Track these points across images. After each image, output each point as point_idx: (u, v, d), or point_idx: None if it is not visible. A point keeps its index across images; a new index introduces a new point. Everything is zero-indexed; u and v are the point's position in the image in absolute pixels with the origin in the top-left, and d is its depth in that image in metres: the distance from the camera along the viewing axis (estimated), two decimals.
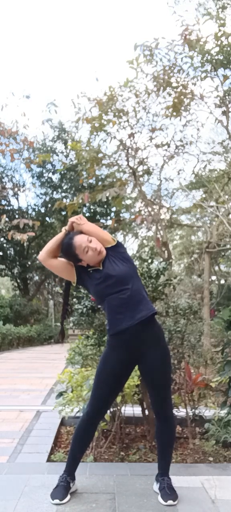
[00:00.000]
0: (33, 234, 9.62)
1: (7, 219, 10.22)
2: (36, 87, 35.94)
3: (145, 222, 10.71)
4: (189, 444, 4.10)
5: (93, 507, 2.71)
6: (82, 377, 3.98)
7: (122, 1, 38.62)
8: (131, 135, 9.08)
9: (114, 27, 43.40)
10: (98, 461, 3.77)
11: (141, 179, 10.61)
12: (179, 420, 4.20)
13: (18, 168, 20.87)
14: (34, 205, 21.89)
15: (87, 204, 18.81)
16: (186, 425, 4.22)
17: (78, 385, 3.89)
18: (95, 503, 2.76)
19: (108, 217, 20.90)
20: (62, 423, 4.80)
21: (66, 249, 2.89)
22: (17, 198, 21.77)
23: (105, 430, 4.08)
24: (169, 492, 2.78)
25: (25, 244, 19.77)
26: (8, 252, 22.31)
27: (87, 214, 19.45)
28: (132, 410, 4.31)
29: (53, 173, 20.64)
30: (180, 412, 4.20)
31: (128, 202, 15.94)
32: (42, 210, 21.30)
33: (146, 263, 4.68)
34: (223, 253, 17.58)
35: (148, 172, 10.74)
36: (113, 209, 19.92)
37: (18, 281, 23.52)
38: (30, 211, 21.62)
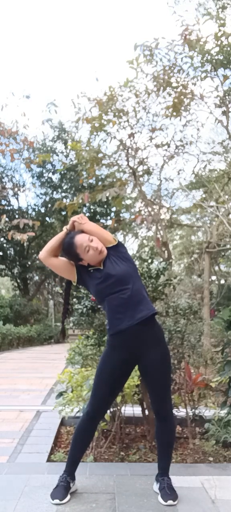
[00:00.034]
0: (33, 234, 9.61)
1: (7, 219, 10.22)
2: (36, 87, 35.99)
3: (145, 222, 10.71)
4: (189, 444, 4.10)
5: (93, 507, 2.71)
6: (82, 377, 3.98)
7: (122, 1, 38.63)
8: (131, 135, 9.08)
9: (114, 27, 43.43)
10: (98, 461, 3.77)
11: (141, 179, 10.61)
12: (179, 420, 4.20)
13: (18, 168, 20.90)
14: (34, 205, 21.92)
15: (87, 204, 18.81)
16: (186, 425, 4.22)
17: (78, 385, 3.89)
18: (95, 503, 2.76)
19: (108, 217, 20.91)
20: (62, 423, 4.80)
21: (67, 248, 2.89)
22: (17, 198, 21.78)
23: (105, 430, 4.08)
24: (169, 492, 2.78)
25: (25, 244, 19.78)
26: (8, 252, 22.31)
27: (87, 214, 19.44)
28: (132, 410, 4.31)
29: (53, 173, 20.64)
30: (180, 412, 4.20)
31: (128, 202, 15.94)
32: (42, 210, 21.30)
33: (146, 263, 4.68)
34: (223, 253, 17.58)
35: (148, 172, 10.74)
36: (114, 209, 19.92)
37: (18, 281, 23.52)
38: (30, 211, 21.62)
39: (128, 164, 9.59)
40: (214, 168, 11.59)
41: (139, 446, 4.14)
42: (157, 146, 9.63)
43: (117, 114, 8.39)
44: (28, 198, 26.97)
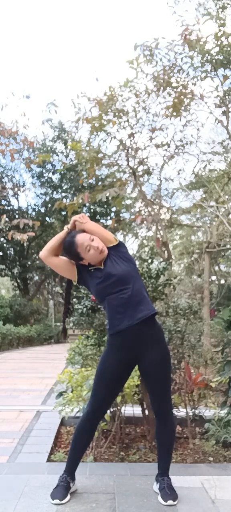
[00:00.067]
0: (33, 234, 9.61)
1: (7, 219, 10.22)
2: (36, 87, 35.99)
3: (145, 222, 10.72)
4: (189, 444, 4.10)
5: (93, 507, 2.71)
6: (82, 377, 3.97)
7: (122, 1, 38.63)
8: (131, 135, 9.08)
9: (114, 27, 43.43)
10: (98, 461, 3.77)
11: (141, 179, 10.61)
12: (179, 420, 4.20)
13: (18, 168, 20.90)
14: (34, 205, 21.92)
15: (87, 204, 18.81)
16: (186, 425, 4.22)
17: (78, 385, 3.89)
18: (95, 503, 2.76)
19: (108, 217, 20.90)
20: (62, 423, 4.80)
21: (68, 247, 2.89)
22: (17, 198, 21.78)
23: (105, 430, 4.08)
24: (169, 492, 2.78)
25: (25, 244, 19.78)
26: (8, 252, 22.31)
27: (87, 214, 19.35)
28: (132, 410, 4.31)
29: (53, 173, 20.64)
30: (180, 412, 4.19)
31: (128, 202, 15.93)
32: (42, 210, 21.30)
33: (146, 263, 4.68)
34: (223, 253, 17.59)
35: (148, 172, 10.74)
36: (114, 209, 19.91)
37: (18, 281, 23.52)
38: (30, 211, 21.62)
39: (128, 164, 9.59)
40: (214, 168, 11.60)
41: (139, 446, 4.14)
42: (157, 146, 9.64)
43: (117, 114, 8.40)
44: (28, 198, 27.00)
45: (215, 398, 5.02)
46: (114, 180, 10.18)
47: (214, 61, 7.63)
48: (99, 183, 14.06)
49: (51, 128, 19.45)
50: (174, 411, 3.63)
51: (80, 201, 8.58)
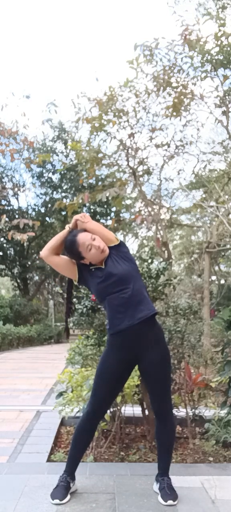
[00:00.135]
0: (33, 234, 9.61)
1: (7, 219, 10.22)
2: (36, 87, 35.99)
3: (145, 222, 10.72)
4: (189, 444, 4.10)
5: (93, 507, 2.71)
6: (82, 377, 3.97)
7: (122, 1, 38.63)
8: (131, 135, 9.08)
9: (114, 27, 43.43)
10: (98, 461, 3.77)
11: (141, 179, 10.61)
12: (179, 420, 4.20)
13: (18, 168, 20.89)
14: (34, 205, 21.92)
15: (87, 204, 18.81)
16: (186, 425, 4.22)
17: (78, 385, 3.89)
18: (95, 503, 2.76)
19: (108, 217, 20.90)
20: (62, 423, 4.80)
21: (70, 246, 2.89)
22: (17, 198, 21.78)
23: (105, 430, 4.08)
24: (169, 492, 2.78)
25: (25, 244, 19.78)
26: (8, 252, 22.31)
27: (87, 214, 19.40)
28: (132, 410, 4.31)
29: (53, 173, 20.63)
30: (180, 412, 4.19)
31: (128, 202, 15.94)
32: (42, 210, 21.29)
33: (146, 263, 4.68)
34: (223, 253, 17.59)
35: (148, 172, 10.74)
36: (114, 209, 19.91)
37: (18, 281, 23.52)
38: (30, 211, 21.62)
39: (128, 164, 9.59)
40: (214, 168, 11.60)
41: (139, 446, 4.14)
42: (157, 146, 9.63)
43: (117, 114, 8.39)
44: (28, 198, 26.98)
45: (215, 398, 5.03)
46: (115, 180, 10.18)
47: (214, 61, 7.63)
48: (99, 183, 14.06)
49: (51, 128, 19.45)
50: (174, 411, 3.63)
51: (80, 201, 8.57)
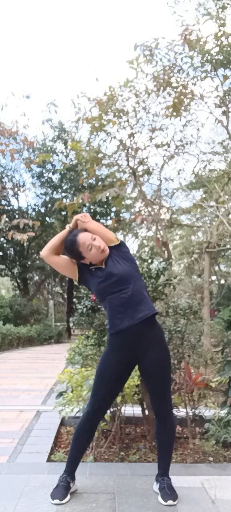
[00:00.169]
0: (33, 234, 9.61)
1: (7, 219, 10.22)
2: (36, 87, 35.98)
3: (145, 222, 10.72)
4: (189, 444, 4.10)
5: (93, 507, 2.71)
6: (82, 377, 3.97)
7: (122, 1, 38.64)
8: (131, 135, 9.08)
9: (114, 27, 43.44)
10: (98, 461, 3.77)
11: (141, 179, 10.61)
12: (179, 420, 4.20)
13: (18, 168, 20.89)
14: (34, 205, 21.93)
15: (87, 204, 18.81)
16: (186, 425, 4.22)
17: (78, 385, 3.89)
18: (95, 503, 2.76)
19: (108, 217, 20.91)
20: (62, 423, 4.80)
21: (70, 246, 2.89)
22: (17, 198, 21.79)
23: (105, 430, 4.08)
24: (169, 492, 2.78)
25: (25, 244, 19.78)
26: (8, 252, 22.32)
27: (87, 214, 19.38)
28: (132, 410, 4.31)
29: (53, 173, 20.64)
30: (180, 412, 4.19)
31: (128, 202, 15.94)
32: (42, 210, 21.30)
33: (146, 263, 4.68)
34: (223, 253, 17.59)
35: (148, 172, 10.74)
36: (114, 209, 19.91)
37: (18, 281, 23.53)
38: (30, 211, 21.63)
39: (128, 164, 9.59)
40: (214, 168, 11.60)
41: (139, 446, 4.14)
42: (157, 146, 9.64)
43: (117, 114, 8.40)
44: (28, 198, 27.00)
45: (215, 398, 5.03)
46: (115, 180, 10.18)
47: (214, 61, 7.64)
48: (99, 183, 14.05)
49: (51, 128, 19.45)
50: (174, 411, 3.63)
51: (80, 201, 8.58)
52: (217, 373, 5.11)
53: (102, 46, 40.75)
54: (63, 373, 4.31)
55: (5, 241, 20.57)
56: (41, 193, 21.27)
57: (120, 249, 2.90)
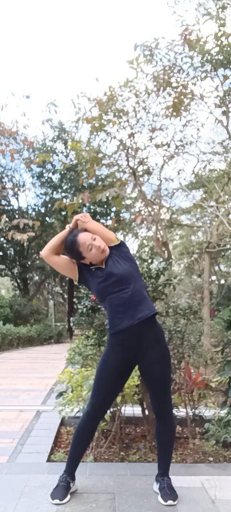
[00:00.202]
0: (33, 234, 9.61)
1: (7, 219, 10.21)
2: (36, 87, 35.98)
3: (145, 222, 10.72)
4: (189, 444, 4.10)
5: (93, 507, 2.71)
6: (82, 377, 3.97)
7: (122, 1, 38.64)
8: (131, 135, 9.08)
9: (114, 27, 43.44)
10: (98, 461, 3.77)
11: (141, 179, 10.61)
12: (179, 420, 4.20)
13: (18, 168, 20.90)
14: (34, 205, 21.93)
15: (87, 204, 18.81)
16: (186, 425, 4.22)
17: (78, 385, 3.89)
18: (95, 503, 2.76)
19: (108, 217, 20.91)
20: (62, 423, 4.80)
21: (70, 246, 2.89)
22: (17, 198, 21.79)
23: (105, 430, 4.08)
24: (169, 492, 2.78)
25: (25, 244, 19.79)
26: (8, 252, 22.32)
27: (87, 214, 19.38)
28: (132, 410, 4.31)
29: (53, 173, 20.64)
30: (180, 412, 4.19)
31: (128, 202, 15.94)
32: (42, 210, 21.31)
33: (146, 263, 4.67)
34: (223, 253, 17.59)
35: (148, 172, 10.74)
36: (114, 209, 19.92)
37: (18, 281, 23.53)
38: (30, 211, 21.63)
39: (128, 164, 9.59)
40: (214, 168, 11.60)
41: (139, 446, 4.14)
42: (157, 146, 9.64)
43: (117, 114, 8.40)
44: (28, 198, 27.01)
45: (215, 398, 5.03)
46: (115, 180, 10.18)
47: (214, 61, 7.64)
48: (99, 183, 14.06)
49: (51, 128, 19.46)
50: (174, 411, 3.62)
51: (80, 201, 8.58)
52: (217, 373, 5.11)
53: (102, 46, 40.78)
54: (63, 373, 4.31)
55: (5, 241, 20.58)
56: (41, 193, 21.28)
57: (120, 249, 2.90)
